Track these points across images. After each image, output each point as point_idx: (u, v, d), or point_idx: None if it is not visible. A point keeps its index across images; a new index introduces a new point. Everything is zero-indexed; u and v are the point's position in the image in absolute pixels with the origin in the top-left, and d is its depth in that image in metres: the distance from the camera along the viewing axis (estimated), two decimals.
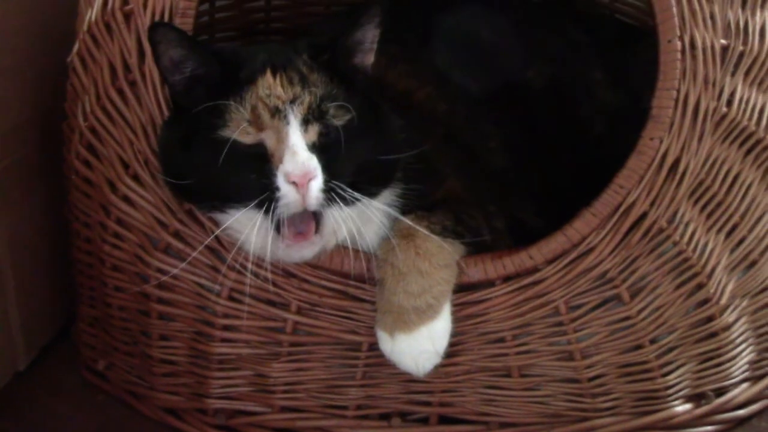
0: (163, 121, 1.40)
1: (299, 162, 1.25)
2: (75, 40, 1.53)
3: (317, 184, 1.25)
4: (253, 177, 1.27)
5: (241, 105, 1.27)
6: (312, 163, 1.25)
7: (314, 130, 1.28)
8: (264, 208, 1.26)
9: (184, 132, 1.32)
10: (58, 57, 1.59)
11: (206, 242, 1.39)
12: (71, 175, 1.55)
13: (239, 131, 1.26)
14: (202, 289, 1.45)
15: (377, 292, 1.38)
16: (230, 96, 1.28)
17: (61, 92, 1.58)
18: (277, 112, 1.27)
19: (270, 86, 1.28)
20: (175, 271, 1.43)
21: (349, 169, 1.29)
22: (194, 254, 1.41)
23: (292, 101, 1.27)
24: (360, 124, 1.30)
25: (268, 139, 1.27)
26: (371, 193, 1.33)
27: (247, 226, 1.30)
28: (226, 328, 1.46)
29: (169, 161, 1.36)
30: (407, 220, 1.36)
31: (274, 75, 1.29)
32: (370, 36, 1.33)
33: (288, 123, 1.26)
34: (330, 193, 1.27)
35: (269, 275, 1.37)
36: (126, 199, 1.46)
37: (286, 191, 1.25)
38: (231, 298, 1.44)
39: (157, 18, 1.41)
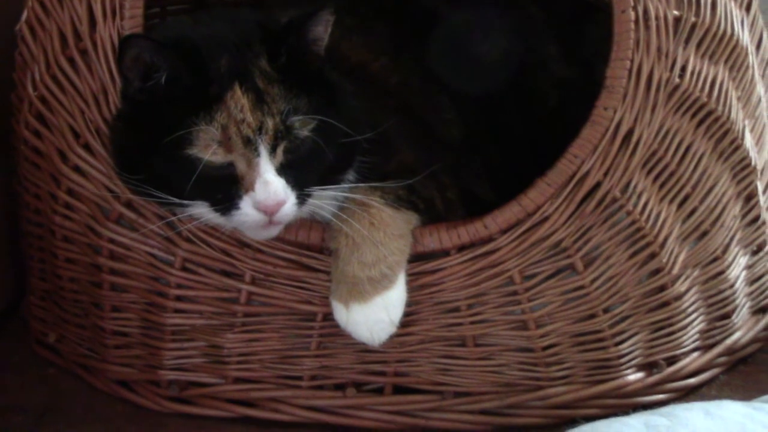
0: (117, 114, 1.37)
1: (271, 191, 1.25)
2: (23, 8, 1.51)
3: (289, 206, 1.26)
4: (219, 196, 1.26)
5: (211, 125, 1.24)
6: (283, 190, 1.25)
7: (281, 150, 1.26)
8: (220, 213, 1.27)
9: (144, 137, 1.28)
10: (6, 25, 1.56)
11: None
12: (20, 145, 1.53)
13: (209, 153, 1.24)
14: (154, 260, 1.44)
15: (332, 262, 1.38)
16: (199, 113, 1.25)
17: (9, 62, 1.56)
18: (248, 143, 1.25)
19: (242, 107, 1.25)
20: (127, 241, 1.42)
21: (317, 171, 1.30)
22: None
23: (260, 129, 1.25)
24: (322, 122, 1.28)
25: (238, 162, 1.26)
26: (337, 181, 1.34)
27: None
28: (179, 298, 1.45)
29: (124, 161, 1.32)
30: (361, 191, 1.36)
31: (242, 90, 1.26)
32: (322, 30, 1.31)
33: (258, 154, 1.25)
34: (300, 200, 1.28)
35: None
36: (77, 169, 1.45)
37: (252, 214, 1.26)
38: (184, 269, 1.43)
39: None
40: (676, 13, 1.41)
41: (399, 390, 1.48)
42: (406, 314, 1.39)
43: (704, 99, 1.44)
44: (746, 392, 1.50)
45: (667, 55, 1.40)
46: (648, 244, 1.44)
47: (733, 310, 1.57)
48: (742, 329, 1.60)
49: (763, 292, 1.63)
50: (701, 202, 1.47)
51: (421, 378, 1.47)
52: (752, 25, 1.55)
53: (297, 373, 1.47)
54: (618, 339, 1.47)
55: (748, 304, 1.61)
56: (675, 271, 1.47)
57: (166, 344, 1.47)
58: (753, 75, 1.53)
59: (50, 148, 1.46)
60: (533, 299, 1.43)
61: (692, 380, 1.54)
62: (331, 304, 1.38)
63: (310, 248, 1.40)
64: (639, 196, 1.42)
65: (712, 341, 1.56)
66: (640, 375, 1.50)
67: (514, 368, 1.46)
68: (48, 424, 1.49)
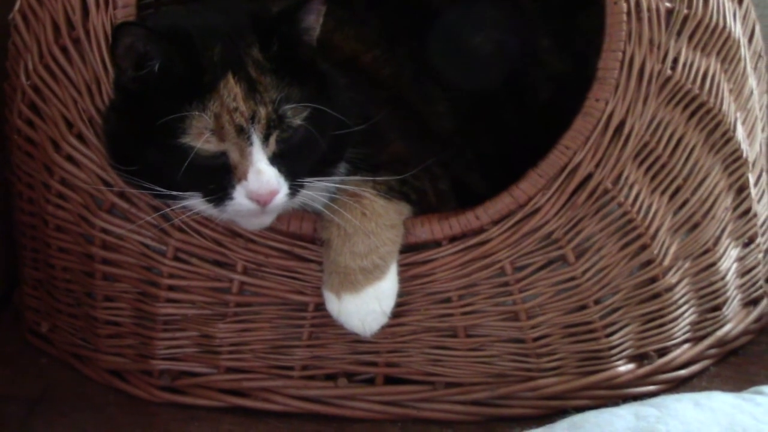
0: (110, 105, 1.37)
1: (264, 181, 1.25)
2: None
3: (281, 196, 1.26)
4: (212, 187, 1.26)
5: (204, 113, 1.24)
6: (276, 180, 1.25)
7: (274, 139, 1.27)
8: (213, 204, 1.27)
9: (137, 127, 1.28)
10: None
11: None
12: (13, 135, 1.53)
13: (202, 141, 1.24)
14: (147, 250, 1.44)
15: (324, 252, 1.38)
16: (192, 101, 1.25)
17: (2, 51, 1.56)
18: (241, 131, 1.25)
19: (235, 96, 1.25)
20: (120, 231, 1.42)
21: (310, 161, 1.30)
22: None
23: (252, 118, 1.25)
24: (315, 112, 1.28)
25: (231, 151, 1.26)
26: (329, 173, 1.34)
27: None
28: (171, 288, 1.45)
29: (117, 152, 1.33)
30: (353, 182, 1.36)
31: (235, 80, 1.26)
32: (314, 19, 1.31)
33: (251, 143, 1.25)
34: (293, 191, 1.28)
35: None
36: (70, 159, 1.45)
37: (245, 203, 1.26)
38: (177, 258, 1.43)
39: None
40: (668, 5, 1.41)
41: (390, 380, 1.48)
42: (398, 305, 1.40)
43: (696, 91, 1.44)
44: (736, 384, 1.51)
45: (659, 47, 1.40)
46: (639, 236, 1.44)
47: (724, 302, 1.58)
48: (733, 321, 1.60)
49: (754, 284, 1.64)
50: (693, 193, 1.48)
51: (413, 368, 1.47)
52: (744, 17, 1.55)
53: (288, 363, 1.47)
54: (609, 330, 1.47)
55: (738, 296, 1.61)
56: (666, 262, 1.47)
57: (158, 334, 1.48)
58: (745, 67, 1.53)
59: (43, 137, 1.47)
60: (524, 290, 1.43)
61: (683, 372, 1.54)
62: (323, 294, 1.38)
63: (302, 238, 1.40)
64: (630, 188, 1.42)
65: (702, 333, 1.57)
66: (630, 366, 1.51)
67: (505, 359, 1.47)
68: (40, 413, 1.49)
